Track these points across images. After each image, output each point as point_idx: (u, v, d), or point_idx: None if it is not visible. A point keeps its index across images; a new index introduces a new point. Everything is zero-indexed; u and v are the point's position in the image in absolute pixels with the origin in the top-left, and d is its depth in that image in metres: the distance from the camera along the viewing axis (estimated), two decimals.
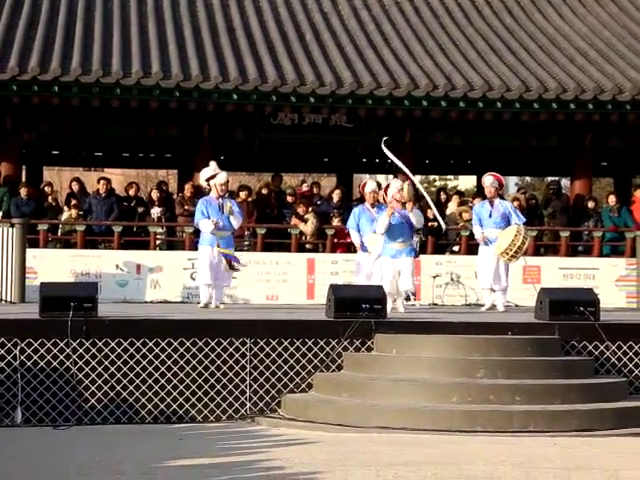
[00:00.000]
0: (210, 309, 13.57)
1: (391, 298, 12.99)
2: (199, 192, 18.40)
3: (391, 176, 20.10)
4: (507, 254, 13.69)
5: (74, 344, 9.98)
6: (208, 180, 13.89)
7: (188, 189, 18.30)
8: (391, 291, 13.10)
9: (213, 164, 13.97)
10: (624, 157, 21.98)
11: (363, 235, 14.25)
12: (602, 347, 10.66)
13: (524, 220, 14.39)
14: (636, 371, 10.70)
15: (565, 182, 27.97)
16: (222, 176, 13.86)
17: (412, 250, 13.61)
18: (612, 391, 10.03)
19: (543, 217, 19.24)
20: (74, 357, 9.97)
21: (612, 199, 19.28)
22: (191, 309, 13.61)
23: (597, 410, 9.51)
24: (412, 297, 13.87)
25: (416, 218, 13.53)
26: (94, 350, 10.04)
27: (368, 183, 14.82)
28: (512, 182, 39.20)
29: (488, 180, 14.46)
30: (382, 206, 14.18)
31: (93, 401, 9.97)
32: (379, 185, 15.04)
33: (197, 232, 17.71)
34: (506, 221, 14.15)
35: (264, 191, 19.11)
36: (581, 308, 10.84)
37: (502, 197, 14.80)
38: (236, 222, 13.82)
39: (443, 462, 7.76)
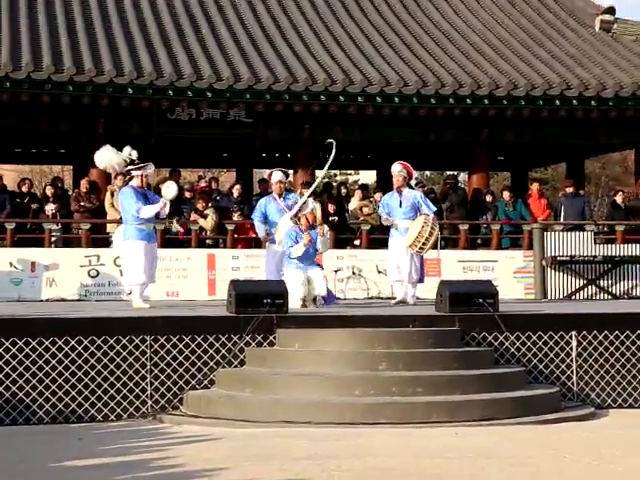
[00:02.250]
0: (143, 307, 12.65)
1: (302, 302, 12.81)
2: (94, 188, 18.10)
3: (291, 171, 20.13)
4: (415, 246, 13.35)
5: None
6: (135, 169, 13.04)
7: (84, 185, 17.97)
8: (303, 296, 12.80)
9: (132, 151, 13.14)
10: (520, 151, 22.36)
11: (272, 227, 13.65)
12: (501, 338, 10.79)
13: (434, 209, 14.00)
14: (534, 360, 10.86)
15: (464, 176, 28.35)
16: (152, 168, 13.26)
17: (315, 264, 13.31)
18: (511, 380, 10.17)
19: (442, 211, 19.41)
20: None
21: (506, 194, 19.59)
22: (88, 307, 13.35)
23: (497, 399, 9.65)
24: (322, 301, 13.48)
25: (323, 245, 13.27)
26: None
27: (274, 173, 14.19)
28: None
29: (396, 168, 13.95)
30: (288, 195, 13.97)
31: None
32: (286, 175, 14.71)
33: (93, 229, 17.50)
34: (415, 211, 13.73)
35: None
36: (480, 300, 10.96)
37: (411, 187, 14.51)
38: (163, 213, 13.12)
39: (347, 455, 7.77)
